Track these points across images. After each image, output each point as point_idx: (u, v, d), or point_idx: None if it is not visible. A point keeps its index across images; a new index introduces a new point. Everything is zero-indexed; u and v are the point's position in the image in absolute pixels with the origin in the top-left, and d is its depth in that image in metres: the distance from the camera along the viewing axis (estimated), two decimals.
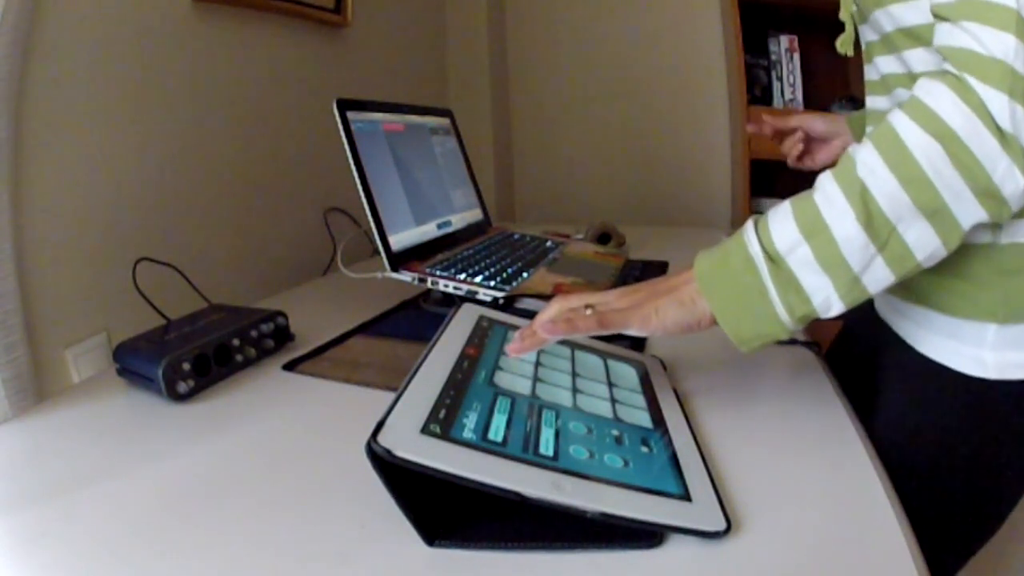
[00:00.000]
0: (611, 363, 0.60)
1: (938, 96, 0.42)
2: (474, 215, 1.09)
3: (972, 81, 0.41)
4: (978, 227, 0.47)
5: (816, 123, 0.84)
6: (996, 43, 0.40)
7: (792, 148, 0.85)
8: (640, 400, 0.54)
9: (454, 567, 0.37)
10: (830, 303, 0.46)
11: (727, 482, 0.45)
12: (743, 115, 1.60)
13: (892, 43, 0.53)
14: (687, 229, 1.50)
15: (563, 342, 0.60)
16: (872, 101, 0.60)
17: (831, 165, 0.79)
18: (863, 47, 0.59)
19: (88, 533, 0.41)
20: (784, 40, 1.63)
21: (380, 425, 0.37)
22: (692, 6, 1.71)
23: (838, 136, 0.83)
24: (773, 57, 1.65)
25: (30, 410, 0.60)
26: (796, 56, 1.63)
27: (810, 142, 0.85)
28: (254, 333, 0.67)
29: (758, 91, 1.67)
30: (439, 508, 0.40)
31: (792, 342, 0.70)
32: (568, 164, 1.89)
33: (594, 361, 0.59)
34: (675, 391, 0.58)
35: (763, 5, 1.56)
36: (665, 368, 0.63)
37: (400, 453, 0.35)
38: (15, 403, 0.62)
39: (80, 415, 0.58)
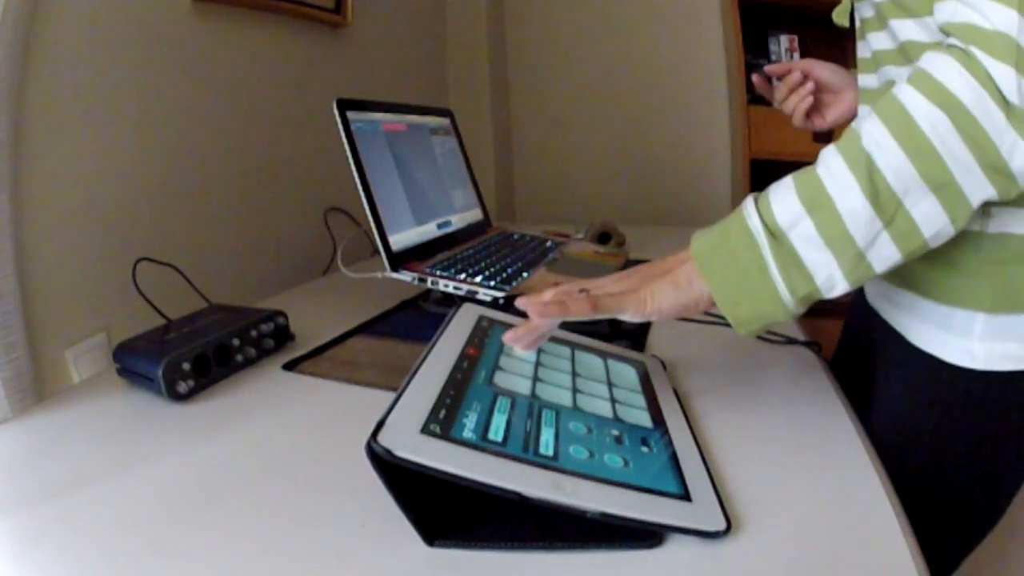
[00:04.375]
0: (611, 363, 0.60)
1: (944, 68, 0.41)
2: (474, 215, 1.09)
3: (978, 54, 0.40)
4: None
5: (822, 70, 0.74)
6: (1000, 17, 0.39)
7: (801, 102, 0.73)
8: (640, 400, 0.54)
9: (454, 567, 0.37)
10: (834, 281, 0.45)
11: (727, 482, 0.45)
12: (743, 115, 1.60)
13: (882, 15, 0.52)
14: (687, 229, 1.49)
15: (563, 342, 0.60)
16: (862, 80, 0.60)
17: (842, 127, 0.76)
18: (857, 24, 0.59)
19: (88, 533, 0.41)
20: (784, 40, 1.63)
21: (380, 425, 0.37)
22: (692, 6, 1.71)
23: (847, 89, 0.74)
24: (773, 57, 1.65)
25: (30, 410, 0.60)
26: (796, 56, 1.63)
27: (818, 94, 0.75)
28: (254, 333, 0.67)
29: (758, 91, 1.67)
30: (439, 508, 0.40)
31: (792, 341, 0.70)
32: (568, 164, 1.89)
33: (594, 361, 0.59)
34: (675, 391, 0.58)
35: (763, 5, 1.56)
36: (665, 368, 0.63)
37: (400, 453, 0.35)
38: (15, 403, 0.62)
39: (80, 415, 0.58)
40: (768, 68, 0.77)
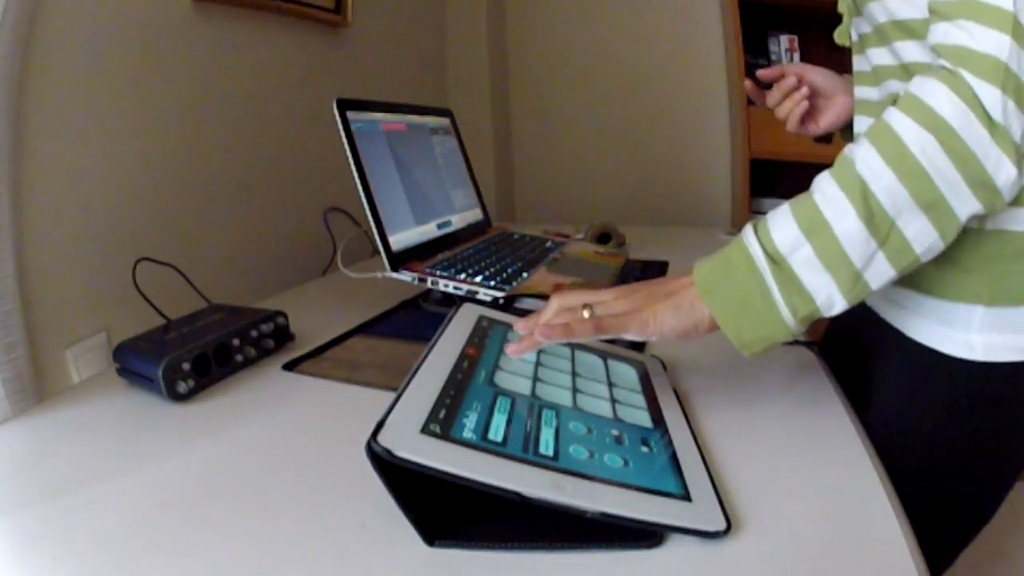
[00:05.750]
0: (611, 363, 0.60)
1: (932, 91, 0.44)
2: (474, 215, 1.09)
3: (966, 75, 0.42)
4: None
5: (815, 75, 0.74)
6: (991, 40, 0.41)
7: (795, 106, 0.73)
8: (640, 400, 0.54)
9: (454, 567, 0.37)
10: (833, 301, 0.47)
11: (727, 482, 0.45)
12: (743, 115, 1.60)
13: (885, 35, 0.54)
14: (687, 229, 1.50)
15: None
16: (860, 92, 0.61)
17: (839, 130, 0.75)
18: (855, 39, 0.60)
19: (88, 533, 0.41)
20: (784, 40, 1.63)
21: (380, 425, 0.37)
22: (692, 6, 1.71)
23: (840, 93, 0.73)
24: (773, 57, 1.65)
25: (30, 410, 0.60)
26: (796, 56, 1.63)
27: (812, 99, 0.74)
28: (254, 333, 0.67)
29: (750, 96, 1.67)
30: (439, 508, 0.40)
31: (792, 342, 0.70)
32: (568, 164, 1.89)
33: (594, 361, 0.59)
34: (675, 391, 0.58)
35: (763, 5, 1.56)
36: (665, 368, 0.63)
37: (400, 453, 0.35)
38: (15, 403, 0.62)
39: (80, 415, 0.58)
40: (760, 73, 0.76)
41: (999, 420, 0.55)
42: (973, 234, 0.51)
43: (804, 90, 0.73)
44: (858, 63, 0.61)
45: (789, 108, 0.74)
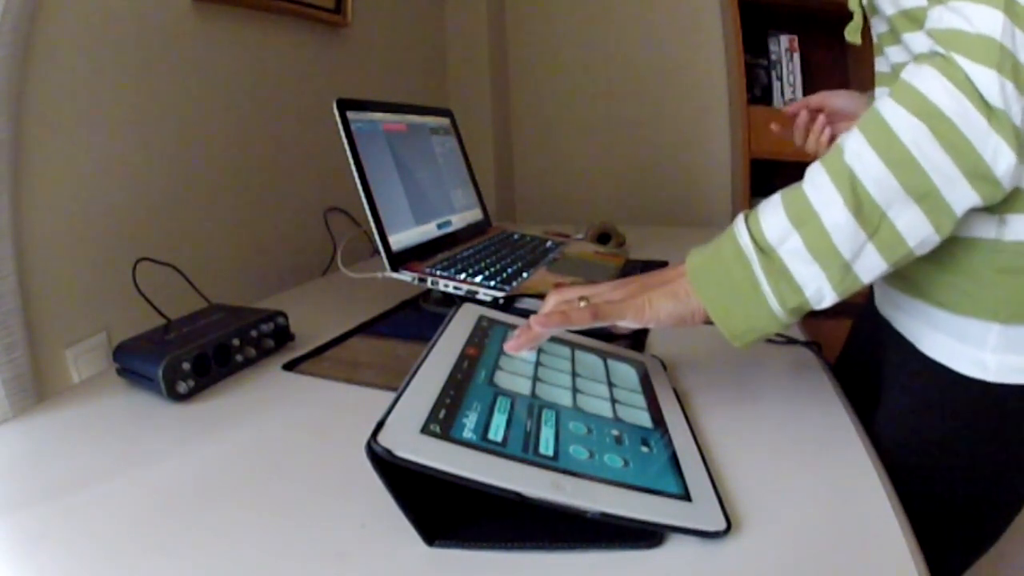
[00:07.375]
0: (611, 363, 0.60)
1: (924, 77, 0.42)
2: (474, 215, 1.09)
3: (959, 59, 0.40)
4: (982, 223, 0.46)
5: (835, 99, 0.75)
6: (984, 20, 0.40)
7: (820, 137, 0.75)
8: (640, 400, 0.54)
9: (454, 567, 0.37)
10: (822, 293, 0.46)
11: (727, 482, 0.45)
12: (743, 115, 1.60)
13: (896, 29, 0.52)
14: (687, 229, 1.50)
15: (563, 342, 0.60)
16: (882, 93, 0.60)
17: None
18: (874, 39, 0.59)
19: (88, 533, 0.41)
20: (784, 40, 1.63)
21: (380, 425, 0.37)
22: (692, 6, 1.71)
23: (863, 111, 0.76)
24: (773, 57, 1.65)
25: (30, 410, 0.60)
26: (796, 56, 1.63)
27: (837, 123, 0.76)
28: (254, 333, 0.67)
29: (758, 91, 1.67)
30: (439, 508, 0.40)
31: (792, 341, 0.70)
32: (568, 164, 1.89)
33: (594, 361, 0.59)
34: (675, 391, 0.58)
35: (763, 5, 1.56)
36: (665, 368, 0.63)
37: (400, 453, 0.35)
38: (15, 403, 0.62)
39: (80, 415, 0.58)
40: (784, 110, 0.79)
41: (1008, 440, 0.53)
42: (990, 246, 0.49)
43: (821, 119, 0.75)
44: (879, 64, 0.60)
45: (813, 144, 0.76)
